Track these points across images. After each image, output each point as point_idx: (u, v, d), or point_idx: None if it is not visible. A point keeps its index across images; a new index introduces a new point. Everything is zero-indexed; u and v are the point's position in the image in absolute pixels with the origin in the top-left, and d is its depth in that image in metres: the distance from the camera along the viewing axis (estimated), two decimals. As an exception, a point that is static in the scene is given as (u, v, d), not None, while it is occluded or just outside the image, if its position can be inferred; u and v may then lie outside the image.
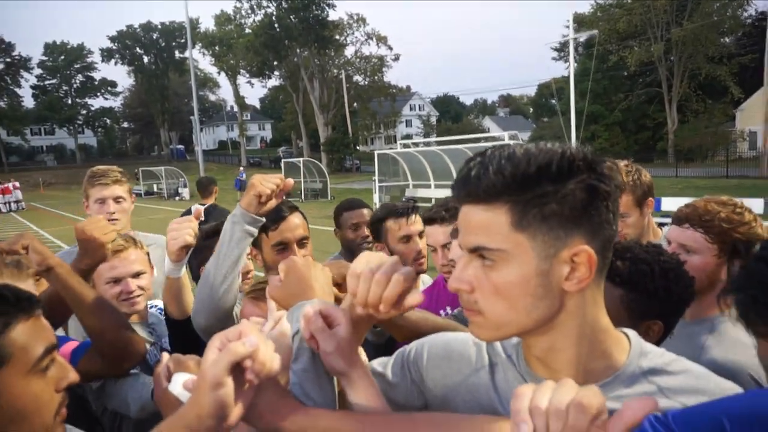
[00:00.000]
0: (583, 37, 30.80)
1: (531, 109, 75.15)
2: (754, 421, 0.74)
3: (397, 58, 53.53)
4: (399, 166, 20.72)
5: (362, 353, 1.05)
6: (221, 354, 0.76)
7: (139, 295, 1.91)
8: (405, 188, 19.87)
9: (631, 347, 0.89)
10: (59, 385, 0.89)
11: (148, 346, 1.84)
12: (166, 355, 1.16)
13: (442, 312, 2.03)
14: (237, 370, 0.77)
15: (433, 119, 75.64)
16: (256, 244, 1.87)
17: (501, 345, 0.98)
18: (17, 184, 30.97)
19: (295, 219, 1.88)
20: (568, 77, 22.31)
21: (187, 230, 1.68)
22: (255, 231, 1.63)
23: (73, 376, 0.92)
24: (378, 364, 1.11)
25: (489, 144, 18.92)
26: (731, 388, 0.85)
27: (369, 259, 0.93)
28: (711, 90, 37.73)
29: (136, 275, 1.91)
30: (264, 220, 1.65)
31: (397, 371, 1.08)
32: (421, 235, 2.21)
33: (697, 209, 1.71)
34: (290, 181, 1.65)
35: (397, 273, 0.89)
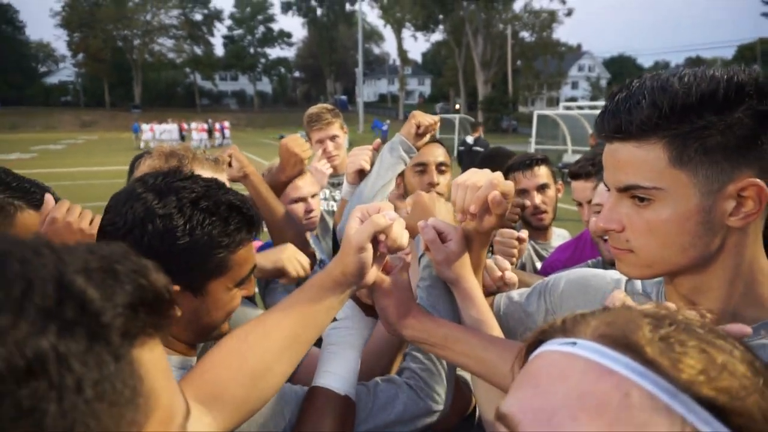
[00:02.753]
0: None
1: (725, 74, 65.01)
2: None
3: (569, 14, 49.58)
4: (559, 129, 19.54)
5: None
6: (366, 223, 0.91)
7: (316, 215, 2.13)
8: (563, 153, 18.76)
9: None
10: (245, 294, 1.04)
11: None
12: None
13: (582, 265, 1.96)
14: (373, 241, 0.92)
15: (604, 82, 69.56)
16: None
17: (642, 282, 0.97)
18: (226, 123, 35.93)
19: (436, 147, 2.01)
20: (780, 37, 18.78)
21: (363, 156, 1.90)
22: (408, 159, 1.76)
23: (252, 290, 1.07)
24: (517, 293, 1.18)
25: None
26: None
27: (471, 174, 1.02)
28: None
29: (314, 196, 2.14)
30: (417, 151, 1.78)
31: (533, 301, 1.13)
32: (541, 188, 2.19)
33: None
34: (438, 124, 1.80)
35: (489, 182, 0.96)
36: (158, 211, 0.89)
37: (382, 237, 0.92)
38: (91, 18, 56.22)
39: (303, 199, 2.11)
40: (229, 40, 70.94)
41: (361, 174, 1.91)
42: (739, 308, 0.80)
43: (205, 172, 1.36)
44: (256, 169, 1.82)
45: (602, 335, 0.48)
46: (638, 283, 0.96)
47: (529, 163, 2.21)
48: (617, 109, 0.78)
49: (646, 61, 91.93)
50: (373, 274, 0.95)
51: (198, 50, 66.87)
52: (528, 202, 2.20)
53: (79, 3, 57.74)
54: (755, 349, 0.51)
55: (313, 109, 2.67)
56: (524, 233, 1.62)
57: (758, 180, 0.73)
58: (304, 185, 2.11)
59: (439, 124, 1.79)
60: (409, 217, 1.15)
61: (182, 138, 32.45)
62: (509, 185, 0.98)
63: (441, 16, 48.96)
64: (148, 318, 0.44)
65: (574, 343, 0.49)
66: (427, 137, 1.78)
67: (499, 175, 0.99)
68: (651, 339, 0.45)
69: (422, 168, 1.97)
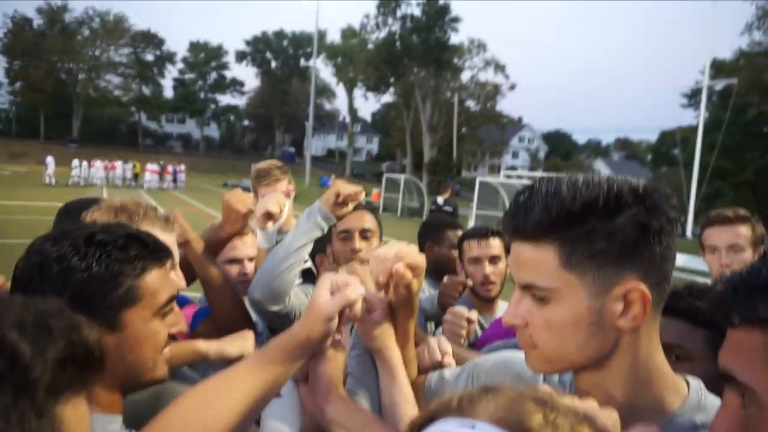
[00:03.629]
0: (719, 85, 28.63)
1: (649, 157, 70.78)
2: None
3: (512, 88, 52.89)
4: (499, 197, 20.31)
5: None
6: (338, 296, 0.95)
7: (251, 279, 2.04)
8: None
9: (688, 396, 0.84)
10: (171, 330, 1.01)
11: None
12: None
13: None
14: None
15: (542, 154, 73.60)
16: (329, 239, 2.02)
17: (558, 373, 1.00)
18: (181, 167, 35.89)
19: (362, 213, 2.01)
20: (696, 127, 20.73)
21: (271, 201, 1.86)
22: (325, 226, 1.74)
23: (183, 326, 1.05)
24: (449, 372, 1.19)
25: (598, 186, 18.01)
26: None
27: (387, 246, 1.07)
28: None
29: (251, 259, 2.04)
30: (336, 220, 1.76)
31: (462, 381, 1.13)
32: (493, 260, 2.22)
33: (727, 209, 2.10)
34: (363, 194, 1.79)
35: (395, 254, 1.02)
36: (53, 255, 0.90)
37: (346, 309, 0.97)
38: (35, 47, 54.63)
39: (239, 261, 2.03)
40: (179, 83, 70.46)
41: (269, 217, 1.89)
42: (638, 405, 0.82)
43: (155, 231, 1.28)
44: (196, 236, 1.76)
45: (499, 419, 0.52)
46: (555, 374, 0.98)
47: (485, 233, 2.26)
48: (516, 211, 0.82)
49: (580, 138, 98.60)
50: (329, 342, 0.99)
51: (146, 90, 65.93)
52: (470, 281, 2.23)
53: (23, 30, 56.12)
54: None
55: (262, 164, 2.66)
56: (474, 314, 1.63)
57: (641, 284, 0.77)
58: (243, 246, 2.03)
59: (363, 194, 1.78)
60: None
61: (135, 177, 31.71)
62: (416, 258, 1.03)
63: (392, 80, 50.86)
64: (76, 374, 0.44)
65: (473, 427, 0.52)
66: (350, 206, 1.77)
67: (411, 248, 1.04)
68: (543, 425, 0.51)
69: (346, 235, 1.99)
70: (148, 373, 0.98)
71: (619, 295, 0.78)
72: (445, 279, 2.21)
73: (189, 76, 70.33)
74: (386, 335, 1.08)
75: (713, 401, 0.83)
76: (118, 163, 34.26)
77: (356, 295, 0.96)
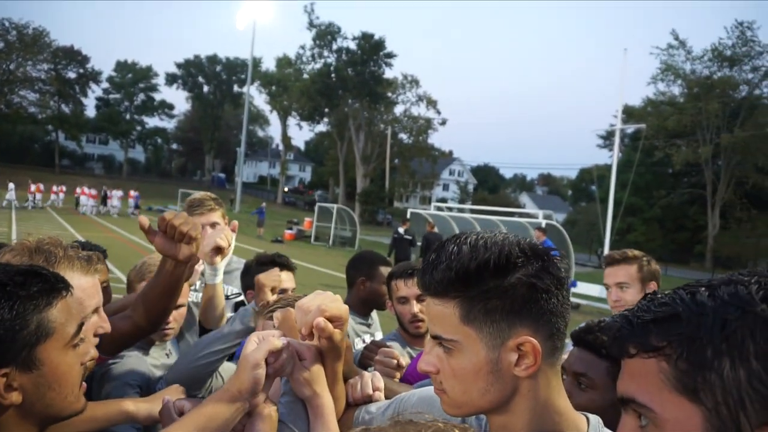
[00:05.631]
0: (630, 129, 31.02)
1: (570, 192, 74.96)
2: None
3: (443, 123, 54.63)
4: (434, 229, 20.71)
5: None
6: (262, 343, 1.03)
7: (172, 328, 1.89)
8: (432, 250, 19.75)
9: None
10: (83, 359, 1.03)
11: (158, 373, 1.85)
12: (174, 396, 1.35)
13: None
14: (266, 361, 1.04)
15: (471, 187, 76.06)
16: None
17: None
18: (132, 193, 34.99)
19: (275, 272, 1.96)
20: (611, 166, 22.26)
21: (218, 234, 1.82)
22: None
23: (94, 353, 1.07)
24: (375, 406, 1.23)
25: (523, 219, 18.88)
26: None
27: (310, 298, 1.15)
28: (757, 200, 37.02)
29: (178, 306, 1.88)
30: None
31: (388, 414, 1.16)
32: (420, 298, 2.23)
33: (617, 251, 2.42)
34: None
35: (317, 307, 1.09)
36: None
37: (270, 359, 1.05)
38: (-60, 58, 50.70)
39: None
40: (103, 103, 67.34)
41: (218, 252, 1.84)
42: None
43: (74, 274, 1.23)
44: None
45: None
46: None
47: (411, 272, 2.24)
48: (425, 269, 0.91)
49: (507, 173, 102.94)
50: (262, 396, 1.06)
51: (66, 108, 62.47)
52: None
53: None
54: None
55: (196, 195, 2.63)
56: (403, 360, 1.66)
57: (531, 338, 0.85)
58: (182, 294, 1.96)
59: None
60: (277, 329, 1.23)
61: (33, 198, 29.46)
62: (337, 310, 1.12)
63: (327, 110, 51.23)
64: None
65: None
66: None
67: (333, 299, 1.13)
68: None
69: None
70: (69, 406, 0.98)
71: (513, 347, 0.86)
72: (367, 344, 2.11)
73: (114, 96, 67.43)
74: (316, 381, 1.13)
75: None
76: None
77: (279, 342, 1.04)
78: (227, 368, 1.70)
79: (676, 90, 39.28)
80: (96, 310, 1.30)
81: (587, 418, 0.95)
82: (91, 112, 67.42)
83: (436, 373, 0.92)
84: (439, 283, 0.88)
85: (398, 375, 1.64)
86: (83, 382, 1.02)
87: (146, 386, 1.74)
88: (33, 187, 29.98)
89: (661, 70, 38.36)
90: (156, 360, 1.89)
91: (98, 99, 67.48)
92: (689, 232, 40.43)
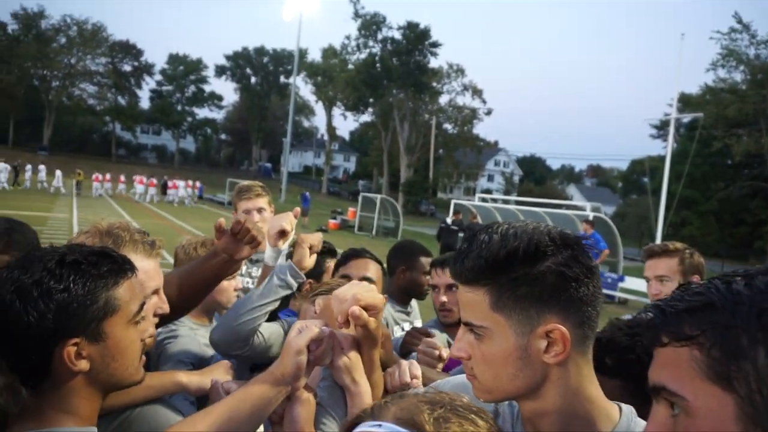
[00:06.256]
0: (686, 118, 29.71)
1: (620, 184, 72.58)
2: None
3: (489, 113, 53.86)
4: (476, 220, 20.52)
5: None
6: (304, 331, 1.11)
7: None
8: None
9: (619, 422, 0.93)
10: (143, 335, 1.12)
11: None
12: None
13: None
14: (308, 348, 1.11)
15: (516, 178, 74.82)
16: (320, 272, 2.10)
17: None
18: (198, 183, 36.68)
19: (366, 262, 2.13)
20: (665, 157, 21.40)
21: (285, 219, 1.87)
22: (295, 285, 1.74)
23: (152, 331, 1.15)
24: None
25: (569, 212, 18.43)
26: None
27: (346, 288, 1.20)
28: (825, 194, 34.83)
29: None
30: (303, 278, 1.77)
31: None
32: (450, 287, 2.28)
33: (659, 244, 2.42)
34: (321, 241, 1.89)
35: (352, 296, 1.14)
36: (29, 281, 0.97)
37: (312, 347, 1.11)
38: (8, 53, 53.58)
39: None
40: (156, 95, 69.82)
41: (282, 235, 1.90)
42: (572, 430, 0.92)
43: (137, 256, 1.31)
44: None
45: (398, 418, 0.74)
46: None
47: (446, 261, 2.28)
48: (457, 258, 0.94)
49: (554, 164, 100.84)
50: (302, 382, 1.12)
51: (122, 100, 65.08)
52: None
53: (-4, 36, 55.10)
54: None
55: (244, 183, 2.77)
56: (445, 352, 1.69)
57: (560, 325, 0.87)
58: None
59: (320, 242, 1.88)
60: (317, 317, 1.32)
61: (77, 185, 31.00)
62: (372, 299, 1.16)
63: (371, 100, 51.35)
64: None
65: (380, 425, 0.73)
66: (314, 257, 1.83)
67: (368, 289, 1.18)
68: (428, 419, 0.72)
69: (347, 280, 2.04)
70: (130, 377, 1.08)
71: (542, 334, 0.88)
72: (410, 330, 2.14)
73: (167, 88, 69.76)
74: (354, 368, 1.19)
75: (642, 424, 0.90)
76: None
77: (320, 331, 1.11)
78: (266, 327, 1.75)
79: (737, 76, 37.27)
80: (156, 291, 1.38)
81: (620, 408, 0.96)
82: (144, 103, 70.18)
83: (468, 359, 0.94)
84: (470, 271, 0.91)
85: (440, 366, 1.66)
86: (143, 356, 1.11)
87: (198, 363, 1.85)
88: (94, 177, 31.67)
89: (722, 55, 36.45)
90: (206, 339, 1.99)
91: (152, 91, 70.07)
92: (749, 227, 38.45)
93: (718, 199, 38.40)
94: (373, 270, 2.11)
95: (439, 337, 2.00)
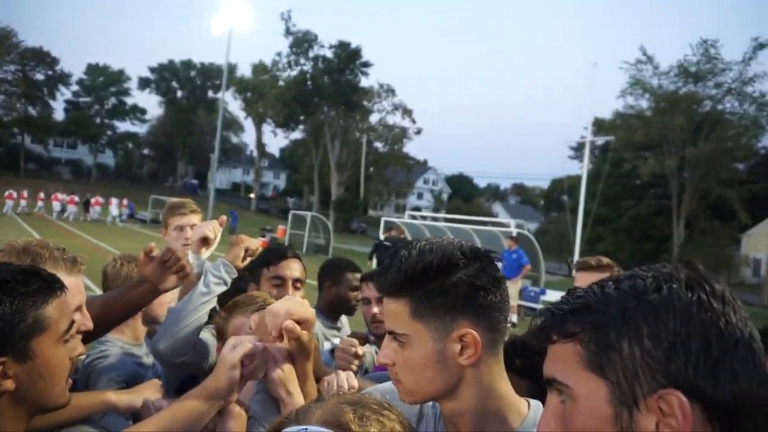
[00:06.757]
0: (600, 141, 31.72)
1: (542, 202, 76.23)
2: None
3: (419, 132, 55.02)
4: (404, 236, 20.84)
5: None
6: (238, 347, 1.13)
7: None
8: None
9: (527, 416, 1.03)
10: (72, 354, 1.12)
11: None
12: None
13: None
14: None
15: (445, 196, 76.74)
16: (256, 279, 2.12)
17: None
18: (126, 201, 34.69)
19: (294, 262, 2.15)
20: (581, 177, 22.79)
21: (208, 226, 1.91)
22: (229, 280, 1.80)
23: (81, 349, 1.17)
24: None
25: (495, 229, 19.16)
26: None
27: (280, 302, 1.24)
28: (719, 211, 38.24)
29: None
30: (236, 274, 1.83)
31: None
32: (380, 300, 2.34)
33: (592, 258, 2.65)
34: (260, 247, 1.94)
35: (286, 311, 1.18)
36: None
37: (246, 361, 1.14)
38: None
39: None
40: (72, 106, 65.97)
41: (204, 243, 1.92)
42: (486, 426, 1.01)
43: (60, 273, 1.29)
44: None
45: (324, 421, 0.79)
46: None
47: (373, 276, 2.38)
48: (381, 272, 1.03)
49: (481, 182, 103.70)
50: (234, 396, 1.14)
51: (33, 111, 60.90)
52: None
53: None
54: None
55: (176, 199, 2.81)
56: (361, 350, 1.77)
57: (472, 330, 0.98)
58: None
59: (260, 248, 1.95)
60: (252, 332, 1.32)
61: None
62: (304, 313, 1.21)
63: (302, 117, 51.11)
64: None
65: (306, 429, 0.77)
66: (247, 260, 1.90)
67: (300, 303, 1.24)
68: (353, 419, 0.78)
69: (280, 282, 2.10)
70: (57, 398, 1.08)
71: (456, 339, 0.98)
72: (340, 343, 2.25)
73: (84, 99, 66.15)
74: (288, 381, 1.24)
75: None
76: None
77: (253, 346, 1.15)
78: (202, 335, 1.78)
79: (644, 103, 40.40)
80: (79, 308, 1.36)
81: (528, 403, 1.06)
82: (59, 115, 66.03)
83: (393, 365, 1.03)
84: (391, 284, 1.00)
85: (356, 363, 1.71)
86: (69, 379, 1.10)
87: (131, 381, 1.80)
88: (6, 194, 29.33)
89: (630, 84, 39.42)
90: (139, 358, 1.96)
91: (68, 102, 66.15)
92: (656, 242, 41.49)
93: (628, 217, 41.20)
94: (300, 269, 2.19)
95: (369, 348, 2.07)
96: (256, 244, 1.88)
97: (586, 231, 21.49)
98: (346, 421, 0.77)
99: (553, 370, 0.74)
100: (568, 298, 0.75)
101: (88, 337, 1.61)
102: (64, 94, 64.56)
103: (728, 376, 0.63)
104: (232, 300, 1.73)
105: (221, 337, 1.64)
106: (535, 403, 1.07)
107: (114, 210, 31.90)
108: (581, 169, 30.65)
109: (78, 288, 1.38)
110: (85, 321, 1.37)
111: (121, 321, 1.67)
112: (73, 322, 1.12)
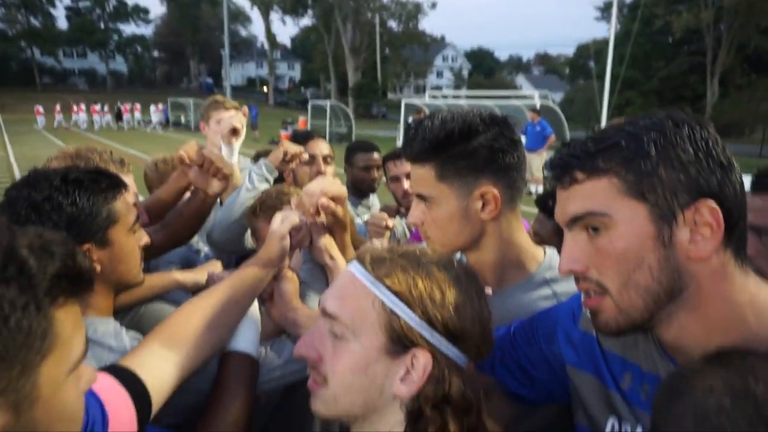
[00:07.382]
0: (629, -3, 29.40)
1: (567, 70, 72.83)
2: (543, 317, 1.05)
3: (433, 6, 51.87)
4: (425, 117, 20.58)
5: None
6: (286, 220, 1.25)
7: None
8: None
9: (543, 261, 1.17)
10: (140, 242, 1.28)
11: None
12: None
13: None
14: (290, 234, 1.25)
15: (465, 72, 73.98)
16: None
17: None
18: (160, 106, 34.61)
19: (322, 140, 2.38)
20: (609, 39, 21.50)
21: (234, 118, 2.12)
22: (272, 179, 2.01)
23: (147, 239, 1.32)
24: None
25: (519, 102, 18.67)
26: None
27: (314, 182, 1.34)
28: (758, 63, 36.10)
29: None
30: (276, 173, 2.03)
31: None
32: (408, 175, 2.47)
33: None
34: (306, 155, 2.09)
35: (320, 189, 1.29)
36: (40, 197, 1.09)
37: (293, 233, 1.26)
38: None
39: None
40: (73, 12, 63.75)
41: (234, 133, 2.15)
42: (506, 271, 1.17)
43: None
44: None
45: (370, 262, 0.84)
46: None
47: (399, 153, 2.51)
48: (406, 141, 1.14)
49: (502, 55, 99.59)
50: (286, 263, 1.29)
51: (36, 21, 59.23)
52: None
53: None
54: (507, 294, 1.14)
55: (217, 96, 2.92)
56: (391, 222, 1.95)
57: (492, 188, 1.10)
58: None
59: (306, 155, 2.08)
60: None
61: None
62: (337, 190, 1.33)
63: (310, 1, 48.48)
64: (69, 287, 0.64)
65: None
66: (293, 164, 2.06)
67: (332, 181, 1.35)
68: (373, 258, 0.84)
69: (311, 159, 2.26)
70: (132, 278, 1.26)
71: (478, 196, 1.10)
72: (370, 218, 2.30)
73: (84, 4, 63.71)
74: (330, 247, 1.39)
75: None
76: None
77: (298, 220, 1.28)
78: None
79: (678, -50, 36.76)
80: (135, 204, 1.52)
81: (544, 250, 1.21)
82: (63, 23, 64.13)
83: (422, 224, 1.16)
84: (418, 152, 1.12)
85: (387, 234, 1.91)
86: (141, 261, 1.29)
87: (186, 265, 2.03)
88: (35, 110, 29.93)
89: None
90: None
91: (67, 8, 63.84)
92: (688, 102, 39.78)
93: (659, 78, 39.31)
94: (328, 147, 2.40)
95: (399, 220, 2.25)
96: (296, 149, 2.03)
97: (614, 97, 20.74)
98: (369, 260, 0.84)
99: (586, 206, 0.78)
100: (587, 141, 0.80)
101: (161, 251, 1.78)
102: (63, 0, 62.22)
103: (732, 187, 0.74)
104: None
105: (252, 225, 1.81)
106: (551, 250, 1.21)
107: (155, 117, 32.49)
108: (609, 30, 28.84)
109: (131, 186, 1.56)
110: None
111: (193, 233, 1.82)
112: (138, 215, 1.27)
